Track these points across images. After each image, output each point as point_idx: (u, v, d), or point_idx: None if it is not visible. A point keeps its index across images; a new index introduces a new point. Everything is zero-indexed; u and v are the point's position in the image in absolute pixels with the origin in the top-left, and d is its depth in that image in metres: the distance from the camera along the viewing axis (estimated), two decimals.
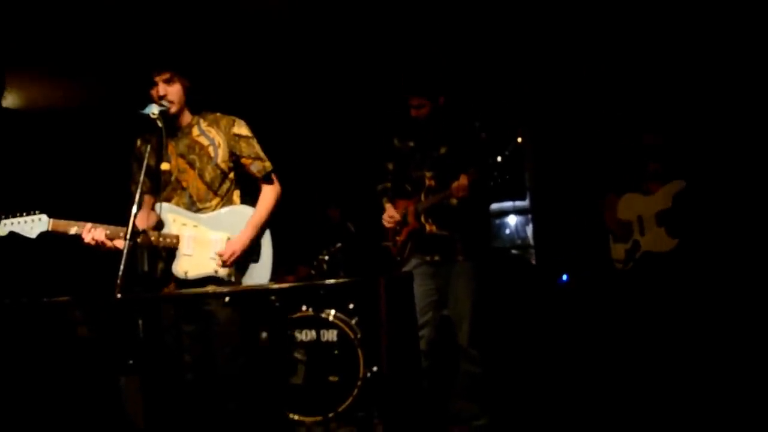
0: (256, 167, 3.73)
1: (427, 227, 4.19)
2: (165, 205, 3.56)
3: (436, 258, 4.17)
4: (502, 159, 3.85)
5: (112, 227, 3.41)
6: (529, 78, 6.36)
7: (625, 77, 5.47)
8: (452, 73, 5.66)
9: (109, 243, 3.38)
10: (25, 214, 3.37)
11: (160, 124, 3.42)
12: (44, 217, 3.38)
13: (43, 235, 3.37)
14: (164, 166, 3.54)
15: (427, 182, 4.21)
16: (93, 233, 3.37)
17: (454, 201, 4.11)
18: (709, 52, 4.91)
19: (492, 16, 5.46)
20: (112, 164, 4.11)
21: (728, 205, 4.07)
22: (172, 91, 3.57)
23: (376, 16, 5.31)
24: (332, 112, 6.66)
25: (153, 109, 3.43)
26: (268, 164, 3.77)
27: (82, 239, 3.38)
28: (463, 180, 3.96)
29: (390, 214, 4.35)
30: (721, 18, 4.84)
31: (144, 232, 3.42)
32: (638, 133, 4.35)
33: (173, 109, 3.57)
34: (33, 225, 3.36)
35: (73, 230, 3.39)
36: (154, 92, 3.54)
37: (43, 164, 6.17)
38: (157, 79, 3.54)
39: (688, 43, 5.06)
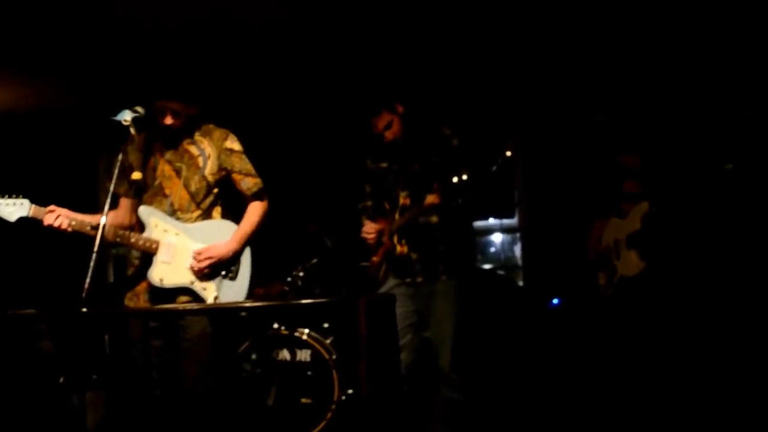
0: (246, 184, 3.85)
1: (398, 248, 4.28)
2: (148, 208, 3.67)
3: (419, 279, 4.23)
4: (467, 177, 3.82)
5: (78, 219, 3.54)
6: (519, 87, 6.48)
7: (608, 93, 5.59)
8: (418, 81, 5.82)
9: (70, 230, 3.52)
10: (7, 196, 3.47)
11: (132, 131, 3.53)
12: (26, 201, 3.49)
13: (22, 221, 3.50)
14: (136, 175, 3.63)
15: (402, 201, 4.30)
16: (59, 220, 3.50)
17: (434, 219, 4.21)
18: (688, 73, 5.06)
19: (475, 35, 5.61)
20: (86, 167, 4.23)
21: (695, 226, 4.13)
22: (178, 121, 3.71)
23: (353, 30, 5.46)
24: (311, 122, 6.78)
25: (125, 116, 3.53)
26: (259, 181, 3.89)
27: (43, 222, 3.51)
28: (431, 199, 4.03)
29: (367, 229, 4.44)
30: (699, 40, 5.00)
31: (123, 241, 3.55)
32: (615, 153, 4.44)
33: (170, 130, 3.73)
34: (14, 208, 3.46)
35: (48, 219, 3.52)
36: (163, 120, 3.67)
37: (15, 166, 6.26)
38: (167, 107, 3.68)
39: (671, 62, 5.22)
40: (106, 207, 3.37)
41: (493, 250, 7.72)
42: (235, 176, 3.84)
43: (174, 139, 3.79)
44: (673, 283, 4.06)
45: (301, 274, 5.50)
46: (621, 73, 5.53)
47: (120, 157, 3.59)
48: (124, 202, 3.81)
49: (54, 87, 6.31)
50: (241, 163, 3.85)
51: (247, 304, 4.11)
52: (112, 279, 5.61)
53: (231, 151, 3.84)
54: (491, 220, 7.49)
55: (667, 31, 5.22)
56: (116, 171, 3.51)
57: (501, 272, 7.36)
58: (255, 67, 6.07)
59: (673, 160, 4.26)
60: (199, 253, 3.66)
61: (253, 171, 3.89)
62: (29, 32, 5.19)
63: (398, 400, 4.03)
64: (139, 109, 3.59)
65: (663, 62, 5.28)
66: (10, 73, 6.03)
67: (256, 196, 3.89)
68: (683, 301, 4.08)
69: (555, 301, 6.33)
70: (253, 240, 3.86)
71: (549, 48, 5.79)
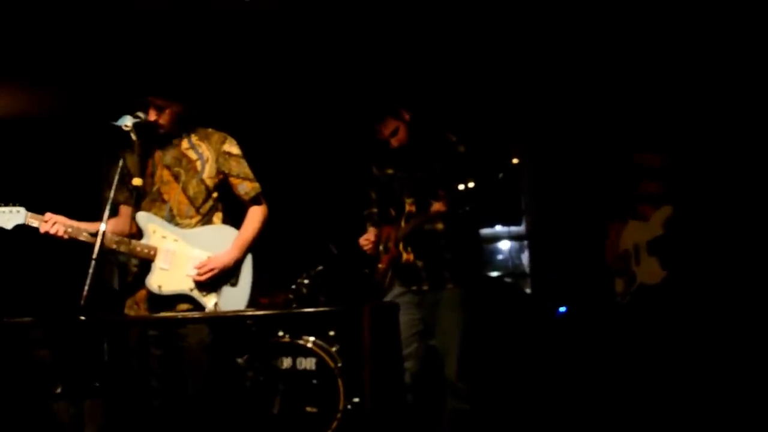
0: (243, 188, 3.83)
1: (404, 256, 4.26)
2: (146, 215, 3.66)
3: (425, 287, 4.22)
4: (474, 184, 3.83)
5: (75, 226, 3.53)
6: (525, 91, 6.46)
7: (625, 91, 5.53)
8: (423, 87, 5.80)
9: (66, 237, 3.51)
10: (2, 204, 3.48)
11: (133, 137, 3.51)
12: (23, 209, 3.49)
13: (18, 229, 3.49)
14: (136, 181, 3.62)
15: (408, 208, 4.29)
16: (55, 227, 3.49)
17: (440, 226, 4.19)
18: (710, 69, 4.99)
19: (481, 37, 5.59)
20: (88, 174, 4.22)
21: (721, 232, 4.00)
22: (163, 117, 3.70)
23: (361, 33, 5.46)
24: (316, 128, 6.78)
25: (126, 121, 3.52)
26: (257, 185, 3.86)
27: (40, 230, 3.50)
28: (437, 206, 4.03)
29: (366, 237, 4.43)
30: (719, 34, 4.94)
31: (121, 248, 3.53)
32: (629, 153, 4.32)
33: (162, 131, 3.71)
34: (10, 216, 3.47)
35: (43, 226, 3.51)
36: (149, 116, 3.66)
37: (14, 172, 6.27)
38: (151, 102, 3.68)
39: (688, 58, 5.16)
40: (105, 214, 3.37)
41: (500, 257, 7.69)
42: (233, 180, 3.82)
43: (172, 144, 3.77)
44: (696, 293, 3.96)
45: (306, 281, 5.48)
46: (628, 73, 5.49)
47: (120, 163, 3.58)
48: (125, 210, 3.79)
49: (54, 93, 6.33)
50: (239, 167, 3.83)
51: (251, 312, 4.09)
52: (116, 286, 5.63)
53: (229, 154, 3.82)
54: (498, 228, 7.46)
55: (673, 27, 5.17)
56: (116, 178, 3.49)
57: (508, 280, 7.31)
58: (261, 71, 6.07)
59: (698, 160, 4.13)
60: (201, 266, 3.64)
61: (251, 175, 3.87)
62: (28, 39, 5.20)
63: (403, 410, 3.99)
64: (140, 114, 3.60)
65: (669, 60, 5.24)
66: (9, 80, 6.04)
67: (254, 200, 3.88)
68: (706, 312, 3.98)
69: (562, 309, 6.28)
70: (256, 246, 3.84)
71: (555, 50, 5.77)
